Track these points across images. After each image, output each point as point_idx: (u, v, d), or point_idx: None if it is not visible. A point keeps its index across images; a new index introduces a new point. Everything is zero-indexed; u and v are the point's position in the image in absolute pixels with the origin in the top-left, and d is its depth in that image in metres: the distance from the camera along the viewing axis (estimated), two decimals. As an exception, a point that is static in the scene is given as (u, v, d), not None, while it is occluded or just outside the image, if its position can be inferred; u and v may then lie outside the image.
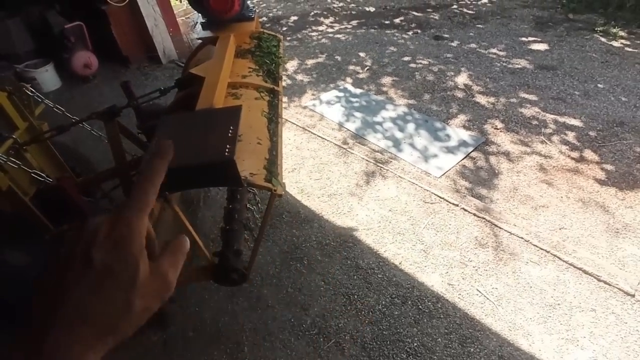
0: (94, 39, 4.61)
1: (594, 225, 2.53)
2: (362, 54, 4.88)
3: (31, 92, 2.20)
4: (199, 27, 5.34)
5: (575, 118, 3.42)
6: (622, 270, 2.28)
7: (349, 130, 3.58)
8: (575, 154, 3.07)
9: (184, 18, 4.98)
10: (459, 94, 3.90)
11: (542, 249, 2.41)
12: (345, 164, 3.20)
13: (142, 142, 2.45)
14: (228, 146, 1.49)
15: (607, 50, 4.41)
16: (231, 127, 1.52)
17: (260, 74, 2.13)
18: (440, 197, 2.80)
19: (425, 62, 4.54)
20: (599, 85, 3.81)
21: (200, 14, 2.38)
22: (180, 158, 1.41)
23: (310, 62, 4.86)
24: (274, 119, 1.90)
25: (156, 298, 0.35)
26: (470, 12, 5.72)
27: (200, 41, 2.38)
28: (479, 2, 5.98)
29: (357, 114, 3.78)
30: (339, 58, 4.86)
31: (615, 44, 4.52)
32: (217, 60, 1.97)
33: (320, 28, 5.78)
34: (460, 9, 5.84)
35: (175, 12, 4.97)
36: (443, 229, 2.60)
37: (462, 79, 4.14)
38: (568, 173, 2.92)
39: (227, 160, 1.44)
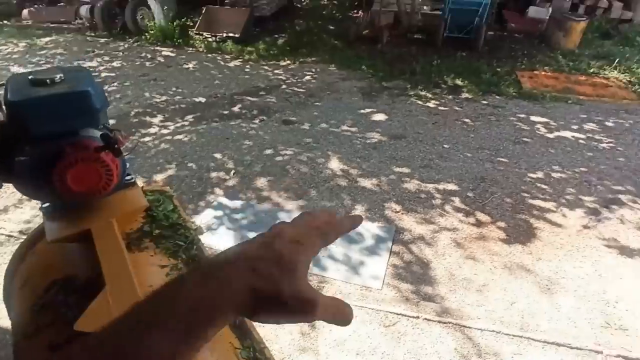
0: None
1: (529, 290, 2.69)
2: (218, 156, 4.35)
3: None
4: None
5: (449, 182, 3.76)
6: (576, 329, 2.45)
7: (254, 259, 2.98)
8: (472, 220, 3.31)
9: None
10: (342, 182, 3.81)
11: (514, 335, 2.38)
12: (274, 308, 2.59)
13: None
14: None
15: (428, 111, 5.17)
16: None
17: (184, 271, 1.40)
18: (398, 314, 2.52)
19: (289, 152, 4.35)
20: (444, 145, 4.36)
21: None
22: None
23: (159, 177, 4.01)
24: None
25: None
26: (301, 90, 5.93)
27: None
28: (304, 79, 6.30)
29: (252, 235, 3.18)
30: (193, 165, 4.18)
31: (430, 104, 5.37)
32: (123, 281, 1.19)
33: (152, 130, 4.95)
34: (291, 88, 6.00)
35: None
36: (421, 352, 2.30)
37: (335, 164, 4.10)
38: (479, 241, 3.09)
39: None
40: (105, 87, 6.01)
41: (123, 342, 0.31)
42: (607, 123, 4.94)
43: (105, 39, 8.18)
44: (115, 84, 6.22)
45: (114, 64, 7.03)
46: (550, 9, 7.65)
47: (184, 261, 1.51)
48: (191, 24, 8.21)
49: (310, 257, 0.40)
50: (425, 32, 7.61)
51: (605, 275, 2.82)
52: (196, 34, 7.90)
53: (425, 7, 8.07)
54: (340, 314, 0.40)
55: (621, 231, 3.22)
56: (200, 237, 2.12)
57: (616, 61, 6.42)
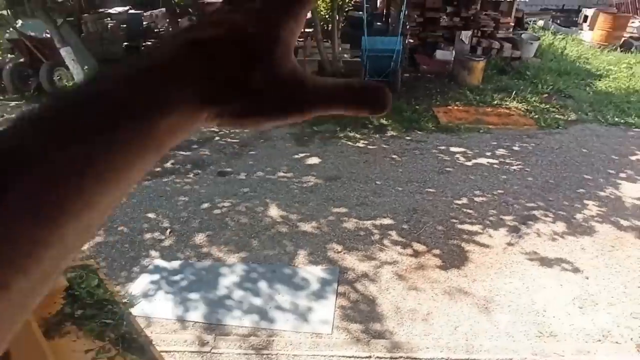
0: None
1: (469, 312, 2.83)
2: (151, 215, 4.15)
3: None
4: None
5: (384, 217, 3.93)
6: (515, 343, 2.60)
7: (196, 322, 2.82)
8: (409, 251, 3.46)
9: None
10: (283, 228, 3.82)
11: (462, 359, 2.47)
12: (222, 373, 2.45)
13: None
14: None
15: (359, 151, 5.44)
16: None
17: (112, 354, 1.34)
18: (350, 357, 2.50)
19: (227, 203, 4.29)
20: (377, 182, 4.59)
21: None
22: None
23: (84, 246, 3.71)
24: None
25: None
26: (235, 140, 5.96)
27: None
28: (237, 130, 6.36)
29: (194, 296, 3.06)
30: (124, 229, 3.95)
31: (360, 144, 5.67)
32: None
33: (75, 197, 4.62)
34: (224, 139, 6.01)
35: None
36: (377, 395, 2.29)
37: (274, 211, 4.11)
38: (418, 271, 3.23)
39: None
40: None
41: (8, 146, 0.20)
42: (514, 147, 5.55)
43: (17, 102, 7.65)
44: (31, 149, 5.78)
45: (29, 128, 6.57)
46: (454, 52, 8.62)
47: (112, 341, 1.42)
48: (114, 82, 8.00)
49: (291, 24, 0.27)
50: (347, 77, 8.13)
51: (531, 287, 3.07)
52: (120, 92, 7.70)
53: (345, 55, 8.70)
54: (361, 97, 0.28)
55: (539, 244, 3.56)
56: (134, 308, 2.00)
57: (514, 93, 7.34)
